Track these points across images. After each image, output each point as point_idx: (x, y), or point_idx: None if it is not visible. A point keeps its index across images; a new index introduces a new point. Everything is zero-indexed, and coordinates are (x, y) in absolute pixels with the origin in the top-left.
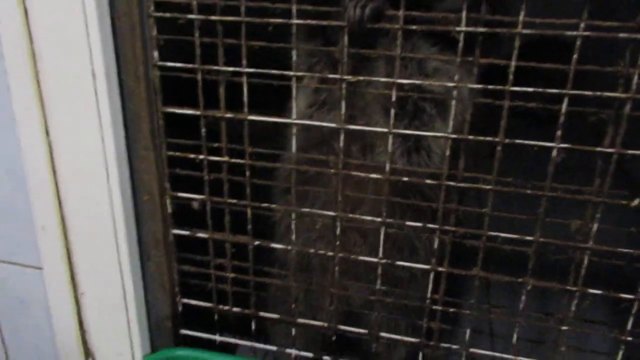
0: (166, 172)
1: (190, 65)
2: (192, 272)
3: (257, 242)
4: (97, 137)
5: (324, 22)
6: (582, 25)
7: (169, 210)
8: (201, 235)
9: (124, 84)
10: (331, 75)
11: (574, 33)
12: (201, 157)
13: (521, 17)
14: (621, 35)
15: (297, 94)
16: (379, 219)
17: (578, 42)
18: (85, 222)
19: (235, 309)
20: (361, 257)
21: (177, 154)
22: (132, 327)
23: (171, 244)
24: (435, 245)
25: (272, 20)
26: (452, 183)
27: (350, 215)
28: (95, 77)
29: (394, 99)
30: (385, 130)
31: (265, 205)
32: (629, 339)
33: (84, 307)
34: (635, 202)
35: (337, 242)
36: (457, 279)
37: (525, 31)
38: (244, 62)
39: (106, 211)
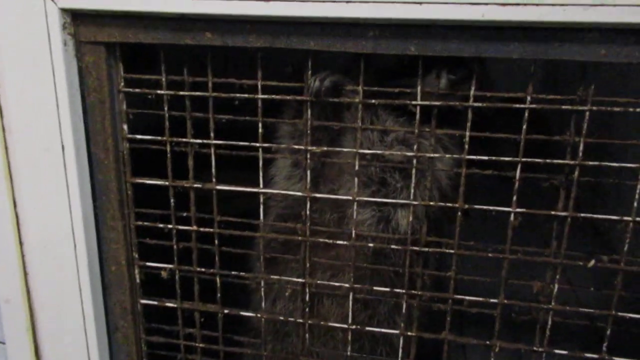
0: (134, 242)
1: (159, 138)
2: (160, 342)
3: (226, 311)
4: (65, 208)
5: (288, 97)
6: (529, 98)
7: (137, 280)
8: (170, 304)
9: (93, 155)
10: (296, 146)
11: (522, 106)
12: (170, 226)
13: (472, 92)
14: (564, 107)
15: (277, 167)
16: (346, 285)
17: (526, 114)
18: (51, 293)
19: None
20: (330, 324)
21: (146, 223)
22: None
23: (139, 314)
24: (404, 309)
25: (238, 95)
26: (415, 248)
27: (319, 281)
28: (64, 149)
29: (356, 167)
30: (349, 197)
31: (234, 273)
32: None
33: None
34: (591, 263)
35: (307, 309)
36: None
37: (476, 104)
38: (212, 134)
39: (73, 282)
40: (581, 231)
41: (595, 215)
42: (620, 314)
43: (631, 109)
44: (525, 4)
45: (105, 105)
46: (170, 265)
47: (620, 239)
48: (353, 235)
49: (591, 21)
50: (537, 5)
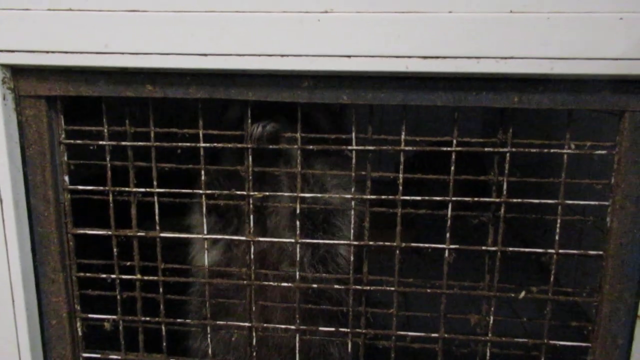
0: (76, 294)
1: (101, 188)
2: None
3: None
4: (3, 262)
5: (229, 145)
6: (455, 141)
7: (79, 333)
8: (113, 357)
9: (33, 208)
10: (239, 192)
11: (448, 149)
12: (113, 276)
13: (403, 136)
14: (486, 149)
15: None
16: (292, 327)
17: (453, 156)
18: None
19: None
20: None
21: (88, 274)
22: None
23: None
24: (349, 349)
25: (180, 144)
26: (358, 287)
27: (265, 324)
28: (2, 202)
29: (298, 211)
30: (292, 240)
31: (180, 320)
32: None
33: None
34: (522, 294)
35: (254, 353)
36: None
37: (407, 148)
38: (155, 183)
39: (11, 338)
40: (526, 265)
41: (522, 249)
42: (552, 342)
43: (545, 150)
44: (444, 57)
45: (46, 157)
46: (114, 316)
47: (563, 271)
48: (297, 276)
49: (502, 72)
50: (453, 58)
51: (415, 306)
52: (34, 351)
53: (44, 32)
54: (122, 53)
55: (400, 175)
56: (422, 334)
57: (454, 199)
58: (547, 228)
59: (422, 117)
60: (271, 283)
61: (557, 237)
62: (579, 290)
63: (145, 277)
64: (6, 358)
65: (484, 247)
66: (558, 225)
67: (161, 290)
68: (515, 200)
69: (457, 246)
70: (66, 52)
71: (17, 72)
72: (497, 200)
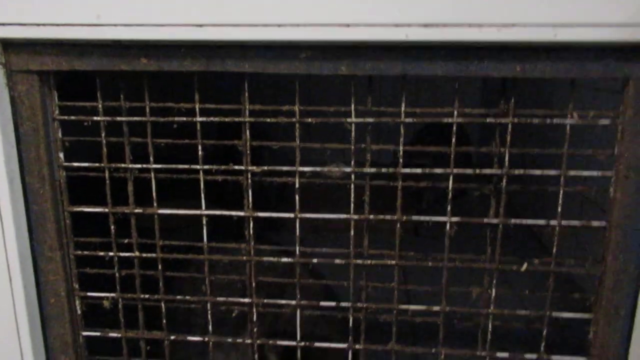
0: (74, 272)
1: (96, 164)
2: None
3: (172, 337)
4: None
5: (226, 119)
6: (455, 112)
7: (79, 311)
8: (113, 335)
9: (28, 186)
10: (236, 167)
11: (449, 120)
12: (111, 254)
13: (403, 108)
14: (488, 119)
15: None
16: (293, 302)
17: (454, 128)
18: None
19: None
20: (279, 342)
21: (86, 252)
22: None
23: (81, 347)
24: (350, 324)
25: (176, 118)
26: (359, 261)
27: (265, 300)
28: None
29: (297, 185)
30: (291, 215)
31: (179, 297)
32: None
33: None
34: (524, 266)
35: (255, 329)
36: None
37: (407, 120)
38: (152, 159)
39: (9, 317)
40: (521, 238)
41: (525, 221)
42: (554, 313)
43: (548, 121)
44: (445, 25)
45: (40, 134)
46: (113, 294)
47: (562, 249)
48: (297, 251)
49: (505, 40)
50: (454, 26)
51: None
52: (33, 330)
53: (34, 4)
54: (115, 25)
55: (401, 148)
56: (424, 307)
57: (455, 171)
58: (547, 206)
59: (422, 96)
60: (271, 259)
61: (559, 209)
62: (580, 262)
63: (144, 255)
64: (5, 336)
65: (485, 220)
66: (560, 196)
67: (160, 267)
68: (517, 171)
69: (458, 218)
70: (57, 25)
71: (8, 46)
72: (499, 172)
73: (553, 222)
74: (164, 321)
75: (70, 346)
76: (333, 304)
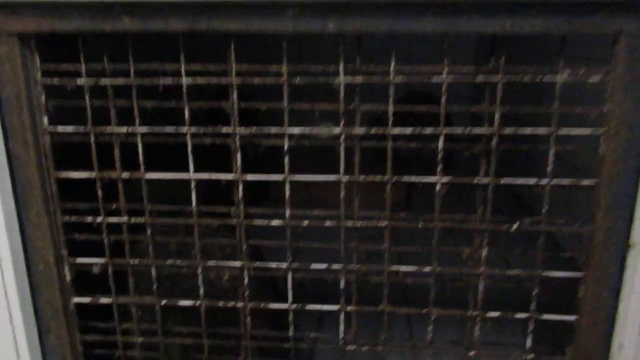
0: (62, 238)
1: (82, 129)
2: (97, 341)
3: (163, 302)
4: None
5: (214, 80)
6: (445, 70)
7: (68, 277)
8: (104, 300)
9: (12, 152)
10: (225, 130)
11: (439, 79)
12: (99, 219)
13: (392, 67)
14: (478, 78)
15: None
16: (284, 265)
17: (444, 86)
18: None
19: None
20: (271, 305)
21: (73, 218)
22: None
23: (72, 313)
24: (342, 285)
25: (162, 81)
26: (349, 223)
27: (257, 263)
28: None
29: (286, 147)
30: (281, 177)
31: (169, 262)
32: (530, 356)
33: None
34: (515, 226)
35: (247, 292)
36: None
37: (396, 81)
38: (137, 121)
39: None
40: (503, 202)
41: (515, 180)
42: (545, 272)
43: (538, 79)
44: None
45: (22, 98)
46: (102, 260)
47: (538, 202)
48: (287, 214)
49: None
50: None
51: (406, 253)
52: (22, 297)
53: None
54: None
55: (390, 108)
56: (415, 268)
57: (445, 130)
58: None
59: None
60: (260, 222)
61: (550, 167)
62: (571, 222)
63: (133, 220)
64: None
65: (476, 180)
66: (551, 155)
67: (149, 232)
68: (507, 130)
69: (449, 178)
70: None
71: None
72: (489, 131)
73: (544, 181)
74: (155, 286)
75: (61, 312)
76: (324, 265)
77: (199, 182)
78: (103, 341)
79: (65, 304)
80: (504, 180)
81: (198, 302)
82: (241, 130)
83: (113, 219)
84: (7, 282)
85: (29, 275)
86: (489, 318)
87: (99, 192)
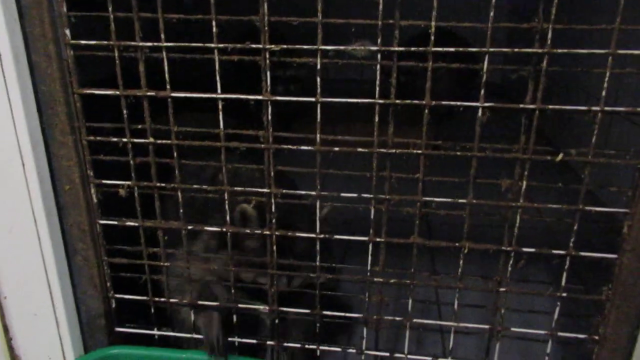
0: (88, 159)
1: (105, 42)
2: (123, 264)
3: (190, 227)
4: (9, 122)
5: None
6: None
7: (94, 199)
8: (131, 223)
9: (35, 64)
10: (254, 45)
11: None
12: (124, 140)
13: None
14: None
15: None
16: (313, 193)
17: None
18: (2, 216)
19: (172, 300)
20: (298, 234)
21: (98, 138)
22: (62, 328)
23: (99, 235)
24: (372, 216)
25: None
26: (383, 150)
27: (284, 190)
28: (1, 57)
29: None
30: (313, 99)
31: (196, 186)
32: (564, 294)
33: (7, 311)
34: (559, 156)
35: (273, 220)
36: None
37: None
38: (162, 36)
39: (24, 203)
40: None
41: (564, 107)
42: (587, 207)
43: None
44: None
45: (43, 6)
46: (129, 182)
47: (581, 168)
48: (318, 139)
49: None
50: None
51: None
52: (50, 218)
53: None
54: None
55: (432, 24)
56: (449, 200)
57: (491, 49)
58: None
59: None
60: (290, 147)
61: (603, 93)
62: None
63: (159, 141)
64: (22, 225)
65: (521, 105)
66: (606, 80)
67: (175, 155)
68: (560, 50)
69: (491, 104)
70: None
71: None
72: (540, 50)
73: (595, 108)
74: (181, 211)
75: (88, 234)
76: (355, 194)
77: (228, 112)
78: (129, 264)
79: (92, 226)
80: (551, 107)
81: (224, 228)
82: (271, 46)
83: (138, 141)
84: (35, 202)
85: (56, 196)
86: (524, 253)
87: (124, 111)
